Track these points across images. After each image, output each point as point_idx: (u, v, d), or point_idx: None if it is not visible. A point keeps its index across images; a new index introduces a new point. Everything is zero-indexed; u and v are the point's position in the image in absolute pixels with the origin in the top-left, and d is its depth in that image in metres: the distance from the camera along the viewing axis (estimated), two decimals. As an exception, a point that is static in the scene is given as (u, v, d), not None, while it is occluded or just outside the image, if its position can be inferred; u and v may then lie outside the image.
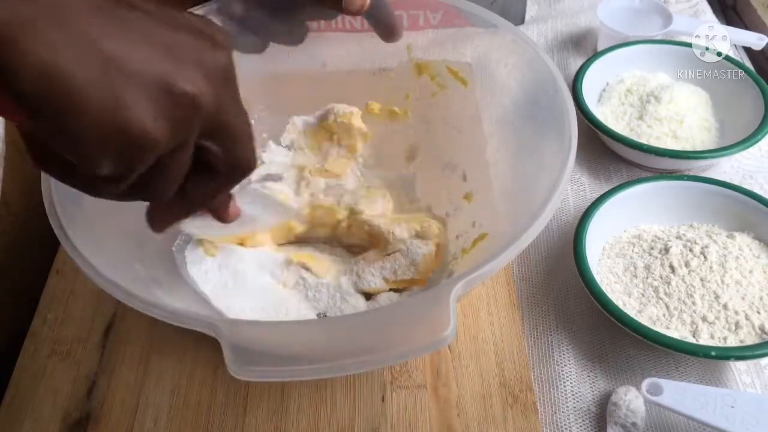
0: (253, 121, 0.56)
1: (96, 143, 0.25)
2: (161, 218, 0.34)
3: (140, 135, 0.25)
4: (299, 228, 0.53)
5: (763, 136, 0.61)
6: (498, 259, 0.35)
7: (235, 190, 0.42)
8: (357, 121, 0.56)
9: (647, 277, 0.52)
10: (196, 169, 0.30)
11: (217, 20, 0.46)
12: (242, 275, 0.49)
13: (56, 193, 0.38)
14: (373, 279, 0.49)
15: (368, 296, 0.50)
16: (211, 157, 0.30)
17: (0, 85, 0.24)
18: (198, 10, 0.48)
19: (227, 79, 0.29)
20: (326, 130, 0.57)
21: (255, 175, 0.55)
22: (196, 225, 0.46)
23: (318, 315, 0.49)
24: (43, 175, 0.39)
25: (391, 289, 0.50)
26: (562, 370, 0.49)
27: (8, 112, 0.26)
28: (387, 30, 0.48)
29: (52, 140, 0.26)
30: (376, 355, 0.32)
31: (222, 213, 0.39)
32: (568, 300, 0.53)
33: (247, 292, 0.49)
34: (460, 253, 0.50)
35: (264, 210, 0.49)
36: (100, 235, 0.41)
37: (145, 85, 0.25)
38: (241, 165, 0.32)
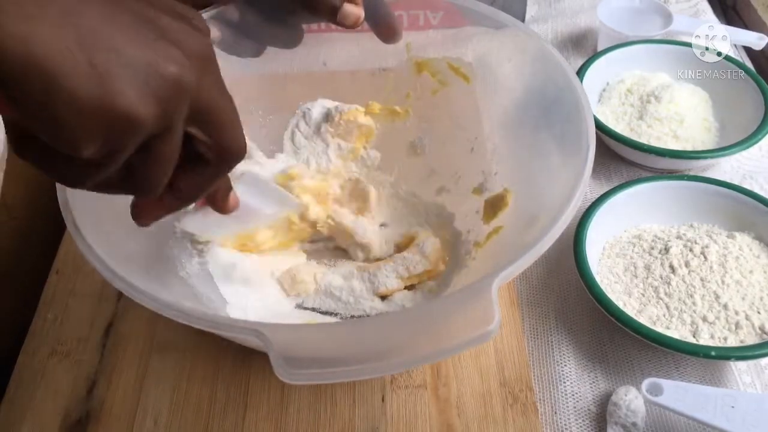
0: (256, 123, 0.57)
1: (78, 122, 0.24)
2: (148, 211, 0.33)
3: (124, 112, 0.25)
4: (301, 227, 0.52)
5: (763, 136, 0.61)
6: (536, 247, 0.35)
7: (234, 178, 0.41)
8: (361, 118, 0.56)
9: (647, 277, 0.52)
10: (184, 161, 0.30)
11: (214, 26, 0.46)
12: (252, 283, 0.49)
13: (74, 208, 0.38)
14: (388, 279, 0.49)
15: (382, 298, 0.50)
16: (198, 145, 0.30)
17: None
18: None
19: (209, 61, 0.29)
20: (330, 128, 0.56)
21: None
22: (196, 224, 0.46)
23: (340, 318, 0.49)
24: (59, 188, 0.38)
25: (404, 287, 0.50)
26: (562, 370, 0.49)
27: None
28: (386, 31, 0.48)
29: (32, 121, 0.25)
30: (422, 353, 0.32)
31: (221, 203, 0.38)
32: (568, 300, 0.53)
33: (255, 298, 0.48)
34: (474, 248, 0.50)
35: (265, 200, 0.48)
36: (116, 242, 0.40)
37: (128, 62, 0.25)
38: (230, 151, 0.31)
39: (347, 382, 0.46)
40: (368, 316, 0.49)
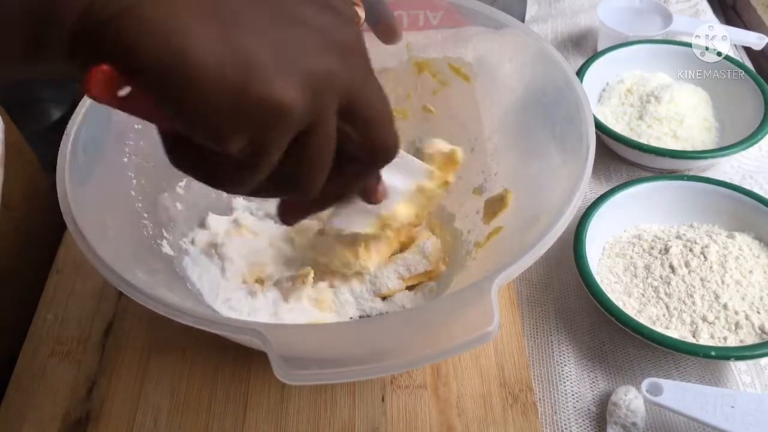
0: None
1: (224, 112, 0.23)
2: (295, 210, 0.32)
3: (270, 100, 0.23)
4: (433, 191, 0.47)
5: (763, 136, 0.61)
6: (536, 248, 0.35)
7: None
8: None
9: (647, 277, 0.52)
10: (335, 161, 0.28)
11: None
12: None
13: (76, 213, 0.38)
14: (389, 280, 0.49)
15: (382, 298, 0.50)
16: (348, 143, 0.28)
17: (123, 67, 0.23)
18: None
19: (357, 52, 0.27)
20: None
21: None
22: (342, 218, 0.44)
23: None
24: (59, 189, 0.38)
25: (405, 288, 0.50)
26: (562, 370, 0.49)
27: (141, 109, 0.25)
28: (386, 31, 0.48)
29: (178, 116, 0.24)
30: (422, 354, 0.32)
31: (371, 195, 0.36)
32: (568, 300, 0.53)
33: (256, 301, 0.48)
34: (474, 248, 0.50)
35: (399, 173, 0.44)
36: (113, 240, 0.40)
37: (272, 51, 0.24)
38: (381, 147, 0.29)
39: (347, 382, 0.46)
40: (368, 316, 0.49)
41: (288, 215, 0.33)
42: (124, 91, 0.23)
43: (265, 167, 0.26)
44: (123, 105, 0.24)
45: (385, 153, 0.30)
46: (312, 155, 0.27)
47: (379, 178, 0.36)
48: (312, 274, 0.48)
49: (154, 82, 0.23)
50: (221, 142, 0.24)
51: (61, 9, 0.23)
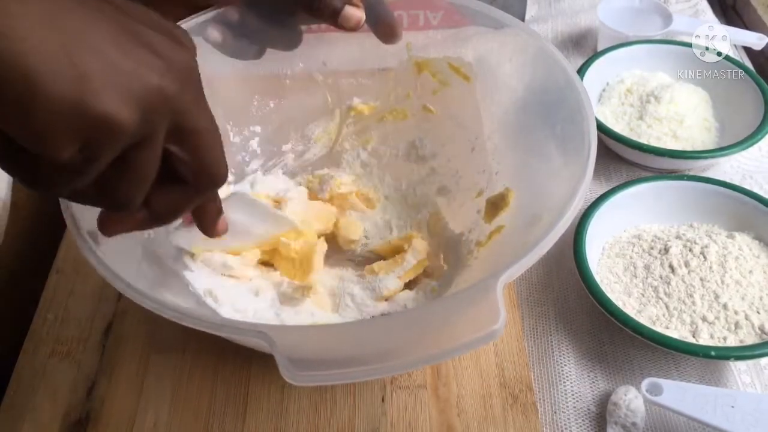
0: (256, 127, 0.57)
1: (57, 122, 0.24)
2: (115, 223, 0.32)
3: (104, 114, 0.24)
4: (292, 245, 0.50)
5: (763, 136, 0.61)
6: (540, 245, 0.35)
7: (224, 196, 0.40)
8: (353, 199, 0.56)
9: (647, 277, 0.52)
10: (163, 179, 0.29)
11: (214, 28, 0.46)
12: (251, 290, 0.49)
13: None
14: (389, 281, 0.49)
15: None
16: (177, 163, 0.29)
17: None
18: (196, 19, 0.48)
19: (192, 78, 0.28)
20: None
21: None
22: (184, 237, 0.46)
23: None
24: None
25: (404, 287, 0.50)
26: (562, 370, 0.49)
27: None
28: (386, 31, 0.48)
29: (10, 120, 0.24)
30: (428, 353, 0.31)
31: (208, 226, 0.37)
32: (568, 300, 0.53)
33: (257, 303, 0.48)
34: (475, 247, 0.50)
35: (256, 219, 0.48)
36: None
37: (110, 66, 0.25)
38: (209, 173, 0.30)
39: (349, 382, 0.46)
40: (372, 317, 0.49)
41: (106, 227, 0.32)
42: None
43: (89, 176, 0.27)
44: None
45: (213, 178, 0.31)
46: (134, 169, 0.27)
47: (219, 210, 0.36)
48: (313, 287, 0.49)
49: None
50: (52, 150, 0.25)
51: None
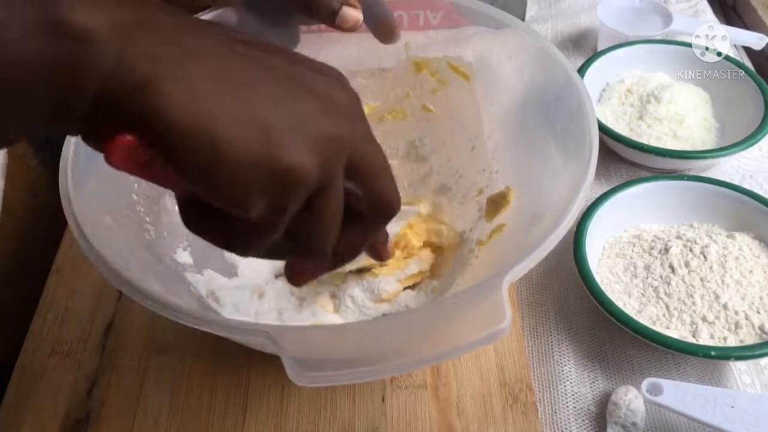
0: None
1: (247, 181, 0.24)
2: (304, 271, 0.33)
3: (289, 167, 0.25)
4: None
5: (763, 136, 0.61)
6: (545, 244, 0.35)
7: None
8: None
9: (647, 277, 0.52)
10: (343, 220, 0.29)
11: None
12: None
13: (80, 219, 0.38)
14: (388, 284, 0.49)
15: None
16: (353, 200, 0.29)
17: (149, 139, 0.23)
18: None
19: (359, 113, 0.28)
20: None
21: None
22: None
23: None
24: (62, 190, 0.38)
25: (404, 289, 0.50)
26: (562, 370, 0.49)
27: (160, 176, 0.25)
28: (384, 31, 0.48)
29: (202, 186, 0.25)
30: (434, 352, 0.31)
31: (381, 254, 0.37)
32: (568, 300, 0.53)
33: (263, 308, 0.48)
34: (476, 246, 0.50)
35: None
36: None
37: (286, 117, 0.25)
38: (385, 203, 0.30)
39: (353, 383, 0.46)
40: (375, 318, 0.49)
41: (297, 276, 0.33)
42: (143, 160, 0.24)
43: (279, 230, 0.27)
44: (142, 173, 0.24)
45: (389, 208, 0.31)
46: (323, 213, 0.28)
47: (386, 236, 0.37)
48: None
49: (181, 154, 0.23)
50: (242, 209, 0.25)
51: (81, 79, 0.23)
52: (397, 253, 0.51)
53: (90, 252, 0.36)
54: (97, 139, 0.25)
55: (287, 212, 0.26)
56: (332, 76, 0.29)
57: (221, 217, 0.26)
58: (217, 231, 0.27)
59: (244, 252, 0.28)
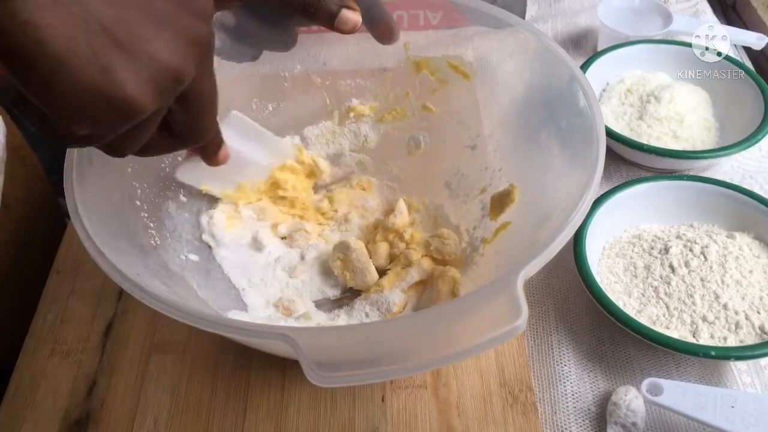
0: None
1: (77, 106, 0.25)
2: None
3: (124, 100, 0.25)
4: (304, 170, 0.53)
5: (763, 136, 0.61)
6: (558, 239, 0.35)
7: (228, 126, 0.42)
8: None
9: (647, 277, 0.52)
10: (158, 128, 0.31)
11: None
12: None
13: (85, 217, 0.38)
14: (394, 296, 0.49)
15: None
16: (172, 120, 0.31)
17: None
18: None
19: (208, 50, 0.29)
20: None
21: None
22: (191, 174, 0.47)
23: None
24: (67, 191, 0.38)
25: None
26: (562, 370, 0.49)
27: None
28: (383, 32, 0.48)
29: (35, 96, 0.25)
30: (453, 350, 0.31)
31: (210, 156, 0.40)
32: (568, 300, 0.53)
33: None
34: (481, 244, 0.50)
35: (257, 148, 0.48)
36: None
37: (131, 51, 0.25)
38: (201, 131, 0.33)
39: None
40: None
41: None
42: None
43: (96, 143, 0.29)
44: None
45: (203, 134, 0.33)
46: (139, 135, 0.30)
47: (219, 142, 0.40)
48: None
49: (19, 66, 0.24)
50: (69, 127, 0.26)
51: None
52: (396, 267, 0.51)
53: (98, 256, 0.36)
54: None
55: (112, 135, 0.28)
56: (190, 5, 0.28)
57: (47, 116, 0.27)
58: (38, 122, 0.28)
59: (60, 142, 0.29)
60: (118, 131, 0.27)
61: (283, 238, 0.53)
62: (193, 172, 0.47)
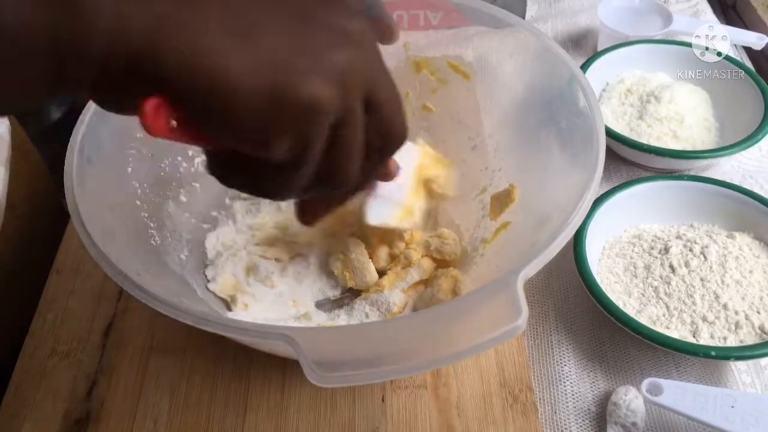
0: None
1: (264, 119, 0.24)
2: (314, 209, 0.33)
3: (305, 98, 0.25)
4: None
5: (763, 136, 0.61)
6: (558, 239, 0.35)
7: None
8: None
9: (647, 277, 0.52)
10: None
11: None
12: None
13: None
14: (394, 296, 0.49)
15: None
16: (369, 132, 0.30)
17: (168, 96, 0.23)
18: None
19: (371, 44, 0.29)
20: None
21: None
22: (375, 213, 0.45)
23: None
24: (68, 193, 0.38)
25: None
26: (562, 370, 0.49)
27: (194, 135, 0.25)
28: (383, 31, 0.48)
29: (222, 133, 0.25)
30: (453, 350, 0.31)
31: (386, 175, 0.38)
32: (568, 300, 0.53)
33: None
34: (481, 244, 0.50)
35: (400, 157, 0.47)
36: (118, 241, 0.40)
37: (299, 54, 0.25)
38: (396, 133, 0.31)
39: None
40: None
41: (308, 215, 0.34)
42: (173, 121, 0.24)
43: (309, 165, 0.27)
44: (178, 134, 0.25)
45: (399, 136, 0.31)
46: (348, 146, 0.28)
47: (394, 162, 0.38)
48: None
49: (195, 102, 0.24)
50: (266, 148, 0.25)
51: (81, 43, 0.23)
52: (396, 267, 0.51)
53: (99, 256, 0.36)
54: (118, 105, 0.25)
55: (313, 146, 0.26)
56: (346, 6, 0.28)
57: (252, 166, 0.27)
58: (250, 180, 0.28)
59: (279, 195, 0.29)
60: (314, 140, 0.26)
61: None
62: (380, 209, 0.45)
